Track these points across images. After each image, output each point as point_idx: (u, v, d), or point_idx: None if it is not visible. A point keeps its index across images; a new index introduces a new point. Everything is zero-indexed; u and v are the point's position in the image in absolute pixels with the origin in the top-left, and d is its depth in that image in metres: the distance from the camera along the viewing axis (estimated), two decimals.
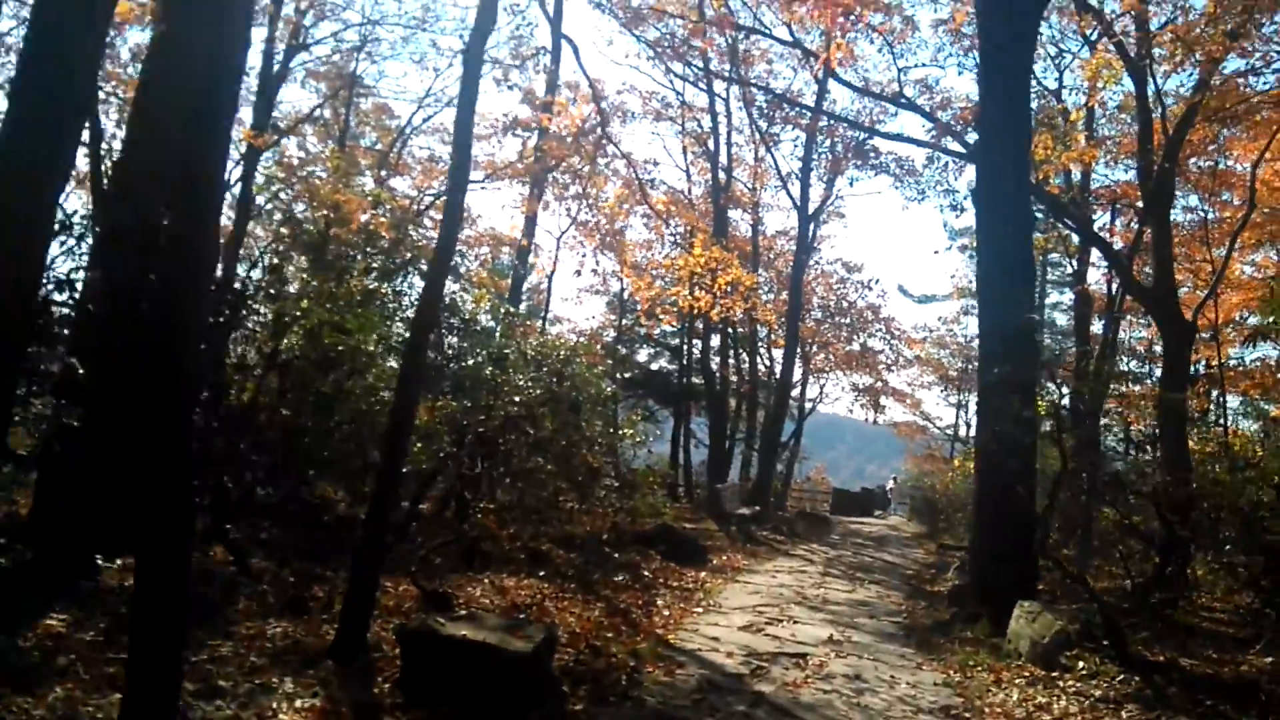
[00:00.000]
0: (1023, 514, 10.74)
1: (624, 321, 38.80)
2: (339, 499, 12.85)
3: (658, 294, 16.00)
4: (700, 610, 10.76)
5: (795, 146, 26.32)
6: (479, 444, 11.62)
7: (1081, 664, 8.45)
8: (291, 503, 11.40)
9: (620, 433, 13.80)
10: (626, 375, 38.85)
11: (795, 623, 10.38)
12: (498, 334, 14.22)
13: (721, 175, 27.23)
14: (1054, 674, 8.36)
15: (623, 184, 14.10)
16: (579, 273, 16.46)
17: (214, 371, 10.16)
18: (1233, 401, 23.23)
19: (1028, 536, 10.76)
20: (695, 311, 18.15)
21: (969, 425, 41.08)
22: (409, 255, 15.82)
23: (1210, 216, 22.95)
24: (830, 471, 54.38)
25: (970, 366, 38.49)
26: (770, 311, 18.73)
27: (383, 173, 28.81)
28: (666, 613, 10.30)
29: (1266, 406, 19.72)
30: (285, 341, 11.55)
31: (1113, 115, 21.62)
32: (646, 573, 12.97)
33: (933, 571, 17.18)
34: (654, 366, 39.87)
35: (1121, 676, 8.24)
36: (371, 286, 13.60)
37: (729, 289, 13.82)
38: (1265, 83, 17.76)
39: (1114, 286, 23.93)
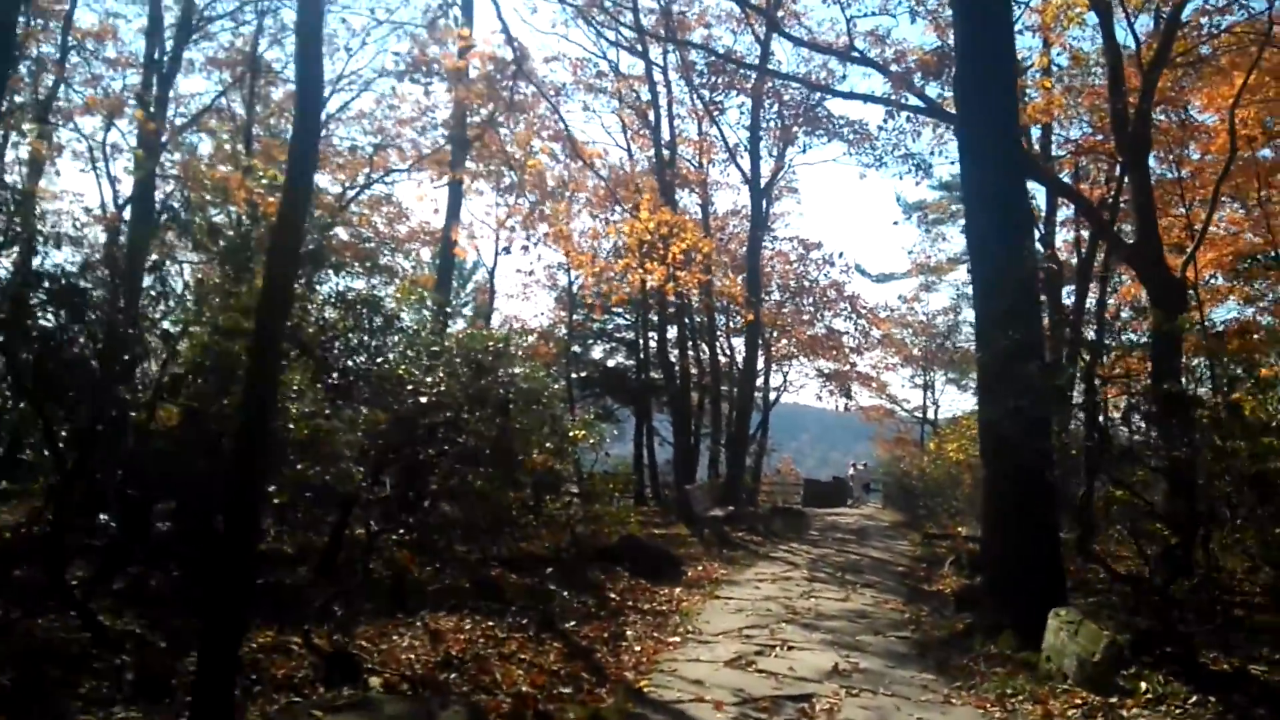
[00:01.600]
0: (1047, 505, 9.27)
1: (575, 317, 37.09)
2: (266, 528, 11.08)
3: (602, 269, 14.27)
4: (678, 640, 9.14)
5: (741, 114, 24.86)
6: (391, 458, 9.92)
7: (1144, 685, 6.97)
8: (191, 540, 9.62)
9: (570, 434, 12.08)
10: (582, 374, 37.23)
11: (790, 648, 8.80)
12: (424, 332, 12.50)
13: (665, 151, 25.56)
14: (1113, 699, 6.85)
15: (549, 136, 12.66)
16: (507, 249, 14.70)
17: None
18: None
19: (1054, 531, 9.30)
20: (646, 287, 16.47)
21: (937, 406, 40.02)
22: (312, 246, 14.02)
23: (1176, 174, 21.82)
24: (795, 462, 53.03)
25: (934, 344, 37.40)
26: (734, 283, 17.20)
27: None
28: (638, 648, 8.66)
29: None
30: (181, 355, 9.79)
31: (1070, 71, 20.30)
32: (613, 595, 11.34)
33: (925, 567, 15.74)
34: (610, 363, 38.19)
35: (1194, 698, 6.78)
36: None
37: (684, 258, 12.27)
38: (1228, 20, 16.59)
39: (1084, 250, 22.66)
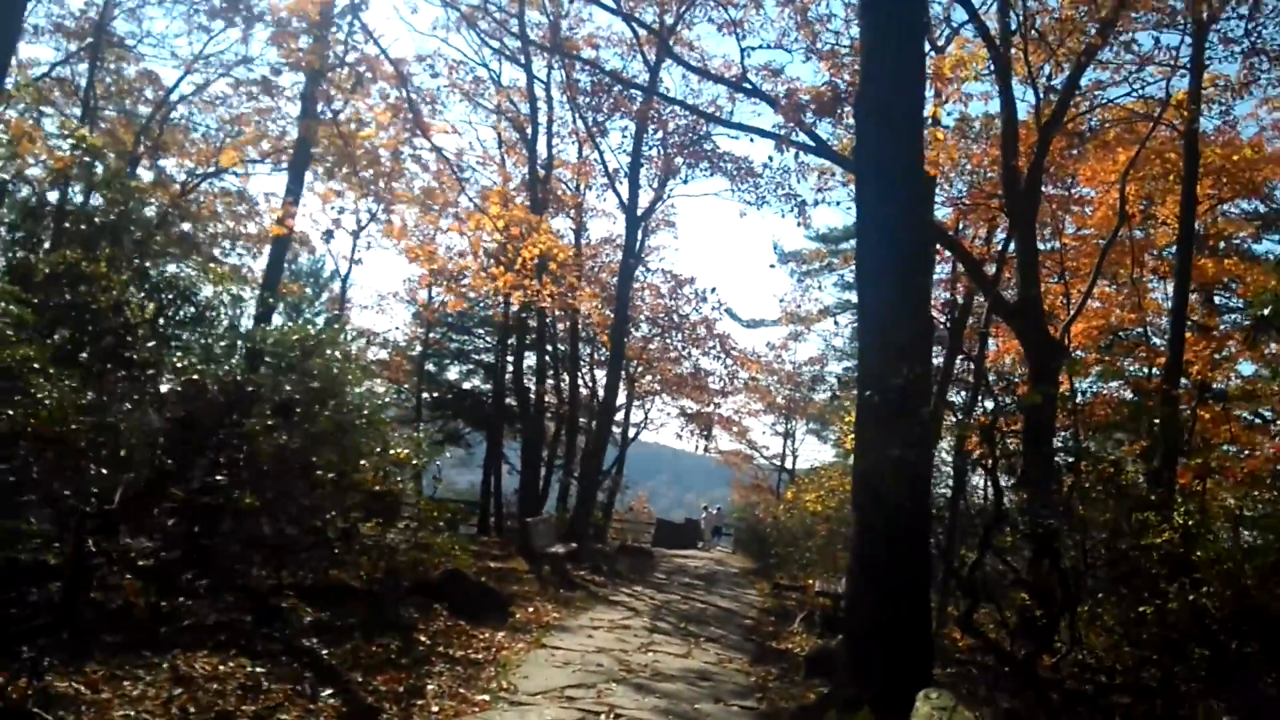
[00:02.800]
0: (922, 568, 8.32)
1: (433, 334, 35.29)
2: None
3: (439, 266, 12.77)
4: (486, 699, 7.72)
5: (624, 139, 23.90)
6: (168, 464, 8.26)
7: None
8: None
9: (393, 452, 10.52)
10: (434, 394, 35.36)
11: (619, 718, 7.52)
12: (241, 328, 10.81)
13: (540, 170, 24.33)
14: None
15: (392, 112, 11.23)
16: (330, 233, 12.70)
17: None
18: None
19: (926, 598, 8.33)
20: (497, 294, 15.06)
21: (795, 456, 39.81)
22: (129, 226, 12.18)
23: (1055, 245, 21.99)
24: (650, 501, 52.18)
25: (798, 395, 37.22)
26: (592, 298, 15.83)
27: (140, 148, 24.39)
28: (436, 709, 7.21)
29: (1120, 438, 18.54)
30: None
31: (962, 125, 20.21)
32: (424, 637, 9.82)
33: (774, 621, 14.76)
34: (466, 385, 36.53)
35: None
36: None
37: (537, 266, 10.98)
38: (1121, 92, 16.71)
39: (957, 312, 22.51)
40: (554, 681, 8.58)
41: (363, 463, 10.08)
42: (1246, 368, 22.37)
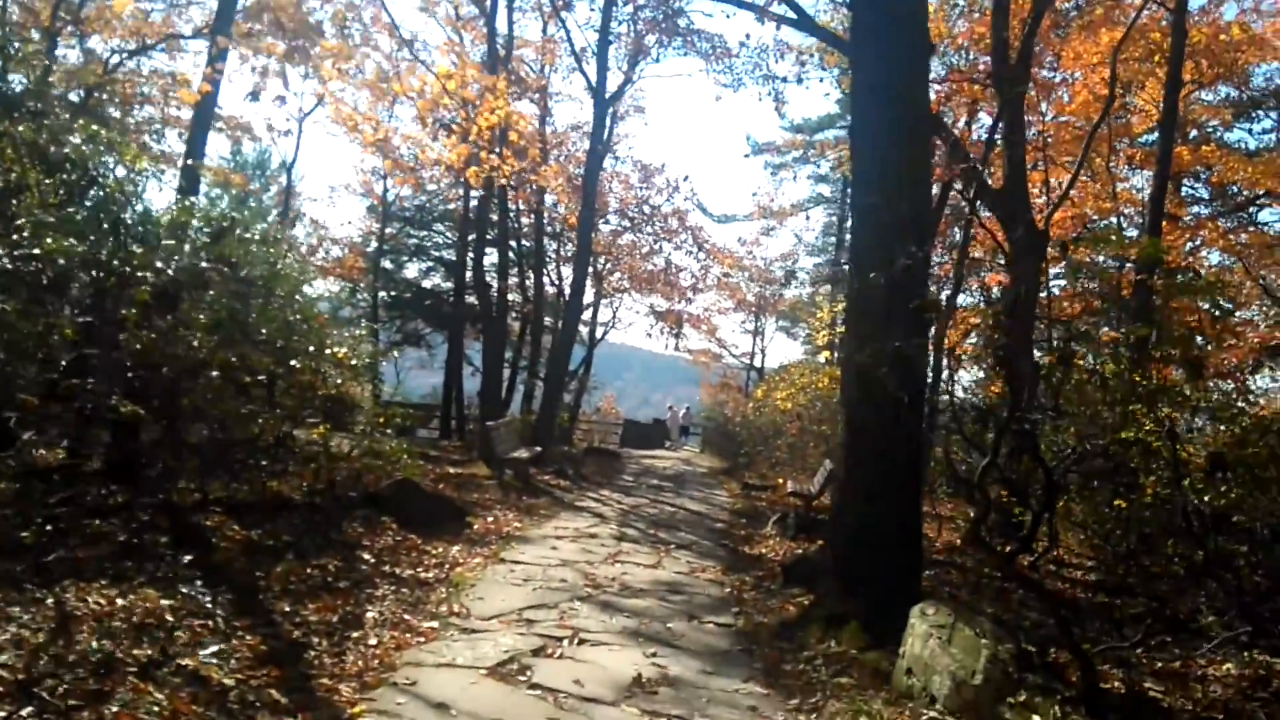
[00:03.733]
0: (913, 469, 7.49)
1: (389, 229, 33.73)
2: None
3: (384, 138, 11.41)
4: (434, 626, 6.90)
5: (592, 11, 22.19)
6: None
7: (1038, 718, 5.26)
8: None
9: (329, 351, 9.44)
10: (391, 293, 34.06)
11: (583, 642, 6.73)
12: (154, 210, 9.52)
13: (500, 49, 22.54)
14: None
15: None
16: (256, 94, 10.99)
17: None
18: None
19: (916, 502, 7.53)
20: (449, 169, 13.76)
21: (764, 354, 39.11)
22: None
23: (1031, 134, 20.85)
24: (618, 401, 51.64)
25: (769, 291, 36.32)
26: (557, 175, 14.47)
27: (58, 22, 22.29)
28: (374, 641, 6.36)
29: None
30: None
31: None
32: (367, 556, 8.96)
33: (745, 523, 14.09)
34: (426, 284, 35.13)
35: None
36: None
37: (496, 137, 9.77)
38: None
39: (935, 202, 21.43)
40: (512, 602, 7.78)
41: (294, 363, 8.99)
42: (1214, 257, 21.77)
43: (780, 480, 17.95)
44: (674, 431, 35.28)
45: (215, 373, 8.70)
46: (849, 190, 35.34)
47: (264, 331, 8.71)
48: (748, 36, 21.93)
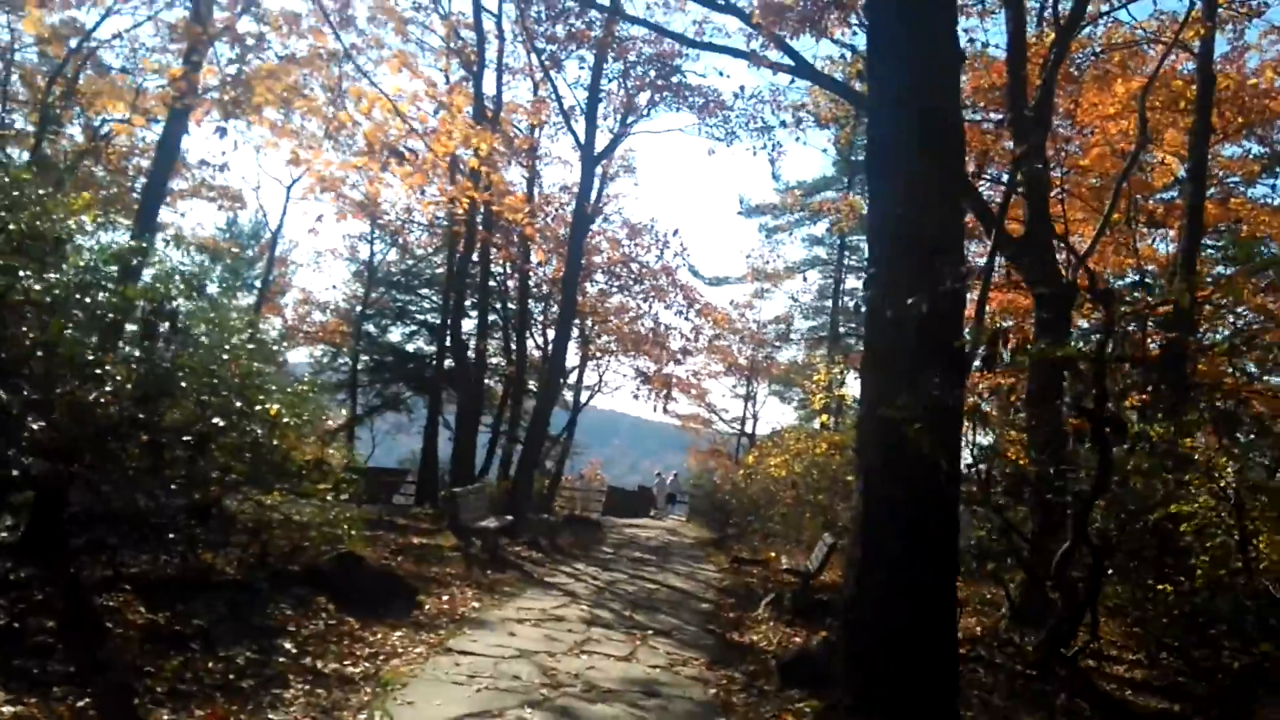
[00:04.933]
0: (948, 549, 6.16)
1: (373, 294, 32.69)
2: None
3: (323, 167, 10.11)
4: None
5: (582, 69, 21.34)
6: None
7: None
8: None
9: (262, 408, 8.14)
10: (373, 358, 32.87)
11: None
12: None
13: (488, 106, 21.67)
14: None
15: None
16: (223, 130, 9.83)
17: None
18: None
19: (950, 590, 6.21)
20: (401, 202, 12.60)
21: (756, 419, 37.82)
22: None
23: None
24: (604, 468, 50.07)
25: (762, 355, 35.23)
26: (519, 202, 13.24)
27: (51, 97, 21.66)
28: None
29: None
30: None
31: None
32: (289, 645, 7.61)
33: (734, 603, 12.71)
34: (410, 348, 33.97)
35: None
36: None
37: (449, 165, 8.73)
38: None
39: None
40: (448, 709, 6.43)
41: (216, 420, 7.73)
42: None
43: (773, 555, 16.58)
44: (660, 499, 33.87)
45: (140, 433, 7.49)
46: (845, 252, 34.71)
47: (183, 384, 7.46)
48: (742, 89, 21.45)
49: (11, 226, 7.00)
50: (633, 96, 21.18)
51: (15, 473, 7.29)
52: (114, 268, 7.11)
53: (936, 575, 5.99)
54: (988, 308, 19.74)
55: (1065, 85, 16.11)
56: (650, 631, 10.02)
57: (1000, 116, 15.34)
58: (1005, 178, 14.56)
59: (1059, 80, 14.15)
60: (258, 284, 31.82)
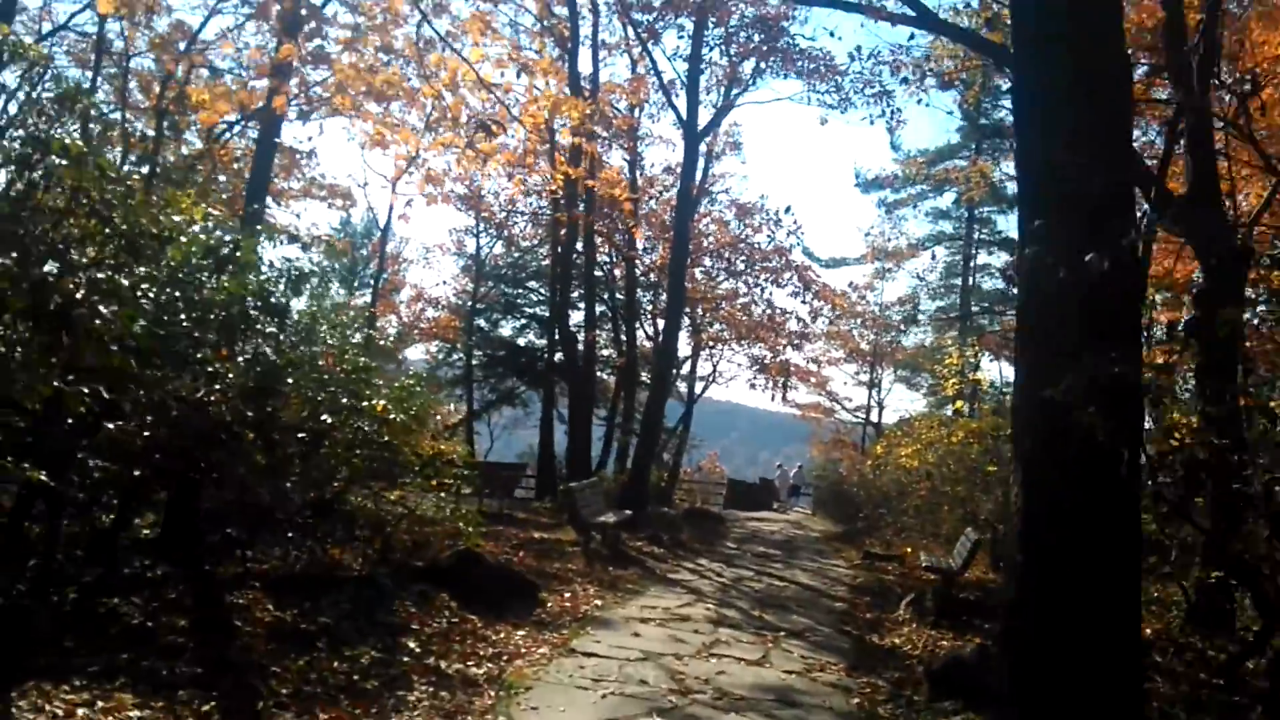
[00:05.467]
0: (1129, 546, 5.42)
1: (482, 288, 32.88)
2: None
3: (413, 149, 9.85)
4: None
5: (681, 39, 20.66)
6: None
7: None
8: None
9: (367, 402, 7.90)
10: (486, 353, 33.08)
11: None
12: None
13: (585, 86, 21.26)
14: None
15: None
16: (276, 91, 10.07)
17: None
18: None
19: (1134, 591, 5.46)
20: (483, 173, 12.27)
21: (882, 407, 36.55)
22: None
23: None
24: (722, 460, 49.49)
25: (886, 339, 33.98)
26: (615, 179, 12.72)
27: (165, 101, 22.34)
28: None
29: None
30: None
31: None
32: (413, 644, 7.39)
33: (870, 602, 12.02)
34: (521, 341, 34.09)
35: None
36: None
37: (543, 135, 8.31)
38: None
39: None
40: (573, 716, 6.05)
41: (325, 418, 7.55)
42: None
43: (908, 550, 15.75)
44: (783, 492, 33.04)
45: (250, 430, 7.37)
46: (974, 225, 33.10)
47: (290, 381, 7.31)
48: (858, 49, 20.27)
49: (123, 227, 6.94)
50: (736, 65, 20.44)
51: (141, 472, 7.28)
52: (208, 261, 6.92)
53: (1116, 581, 5.25)
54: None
55: (1227, 23, 14.63)
56: (782, 632, 9.45)
57: (1151, 64, 14.03)
58: (1159, 131, 13.34)
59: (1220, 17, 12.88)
60: (372, 281, 32.43)
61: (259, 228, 8.24)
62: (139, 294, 5.72)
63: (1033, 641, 5.43)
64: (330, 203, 30.30)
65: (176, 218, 7.63)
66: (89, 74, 22.94)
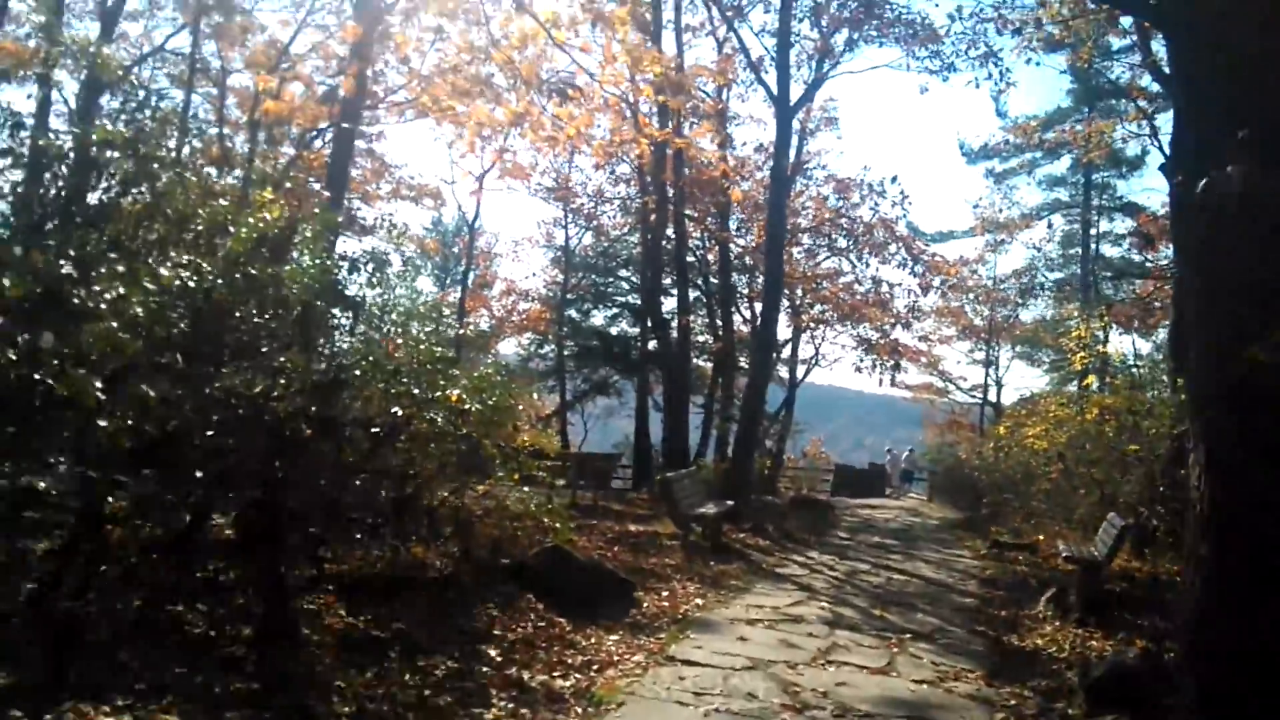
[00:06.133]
0: None
1: (573, 279, 32.40)
2: None
3: (478, 124, 9.11)
4: None
5: (768, 14, 19.68)
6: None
7: None
8: None
9: (440, 391, 7.18)
10: (578, 343, 32.61)
11: None
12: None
13: (671, 71, 20.35)
14: None
15: None
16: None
17: None
18: None
19: None
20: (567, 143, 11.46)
21: (999, 385, 34.66)
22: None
23: None
24: (827, 446, 48.09)
25: (1001, 314, 32.17)
26: (709, 131, 11.66)
27: (259, 114, 22.41)
28: None
29: None
30: None
31: None
32: (494, 652, 6.69)
33: (1003, 597, 10.89)
34: (613, 331, 33.55)
35: None
36: None
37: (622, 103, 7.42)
38: None
39: None
40: None
41: (395, 410, 6.91)
42: None
43: (1040, 538, 14.46)
44: (894, 477, 31.58)
45: (311, 426, 6.80)
46: (1092, 191, 31.06)
47: (358, 374, 6.72)
48: (959, 10, 18.74)
49: (200, 227, 6.46)
50: (828, 37, 19.23)
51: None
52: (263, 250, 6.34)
53: None
54: None
55: None
56: (907, 634, 8.44)
57: None
58: None
59: None
60: (464, 279, 32.35)
61: (326, 215, 7.63)
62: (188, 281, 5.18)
63: (1225, 657, 4.36)
64: (420, 202, 30.32)
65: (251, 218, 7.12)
66: (182, 93, 23.47)
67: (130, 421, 5.10)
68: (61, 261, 5.18)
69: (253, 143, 22.17)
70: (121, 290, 4.71)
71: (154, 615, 6.06)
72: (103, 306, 4.58)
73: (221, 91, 23.56)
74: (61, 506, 5.47)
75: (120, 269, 5.11)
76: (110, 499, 5.48)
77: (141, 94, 7.35)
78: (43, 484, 5.23)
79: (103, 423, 4.91)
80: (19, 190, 5.79)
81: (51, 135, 6.71)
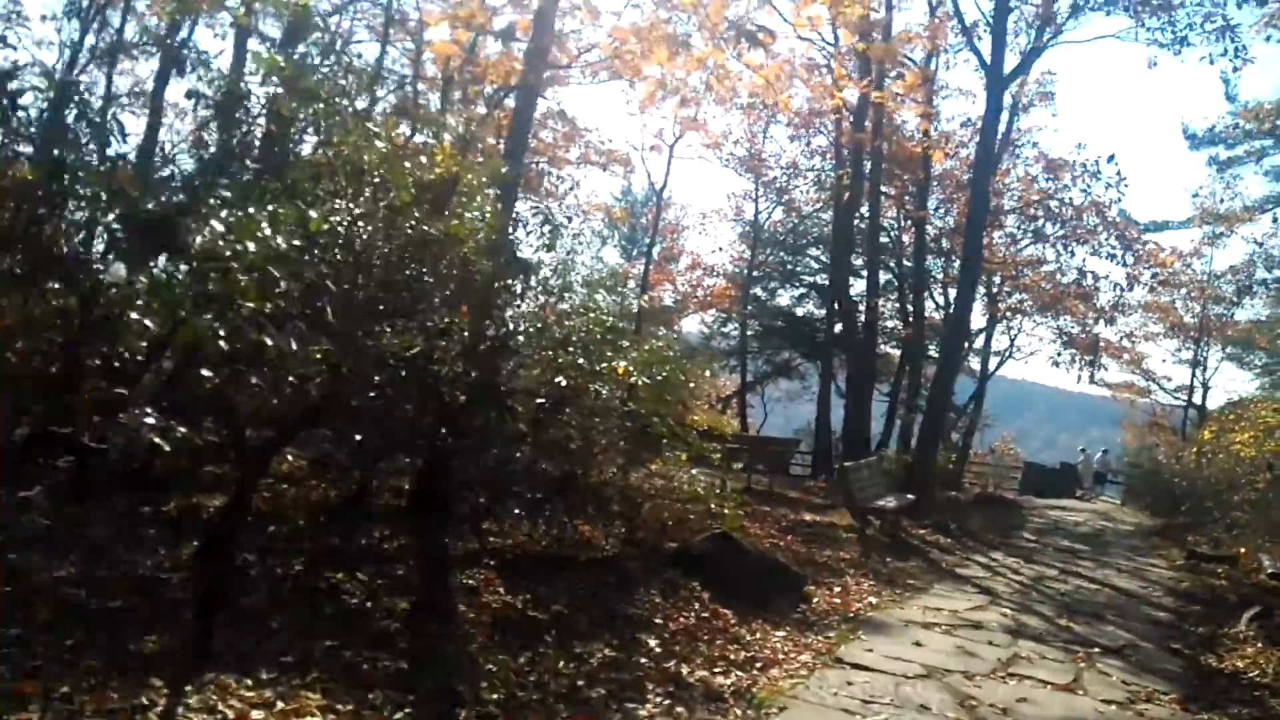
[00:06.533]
0: None
1: (760, 256, 31.91)
2: None
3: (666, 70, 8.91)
4: None
5: None
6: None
7: None
8: None
9: (604, 362, 7.12)
10: (763, 323, 32.15)
11: None
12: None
13: (876, 37, 19.45)
14: None
15: None
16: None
17: None
18: None
19: None
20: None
21: (1206, 389, 31.89)
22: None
23: None
24: (1017, 442, 45.66)
25: (1214, 312, 29.54)
26: (913, 85, 10.91)
27: (453, 71, 22.95)
28: None
29: None
30: None
31: None
32: (653, 641, 6.59)
33: (1200, 613, 9.96)
34: (799, 311, 32.82)
35: None
36: None
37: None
38: None
39: None
40: None
41: (559, 380, 6.91)
42: None
43: (1242, 550, 13.21)
44: (1086, 478, 29.59)
45: (469, 393, 6.87)
46: None
47: (521, 339, 6.75)
48: None
49: (376, 179, 6.58)
50: (1052, 2, 17.90)
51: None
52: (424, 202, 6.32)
53: None
54: None
55: None
56: (1096, 648, 7.83)
57: None
58: None
59: None
60: (649, 250, 32.29)
61: (494, 164, 7.61)
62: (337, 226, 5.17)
63: None
64: (608, 169, 30.34)
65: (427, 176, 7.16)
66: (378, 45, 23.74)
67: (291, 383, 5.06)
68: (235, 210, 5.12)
69: (445, 100, 22.32)
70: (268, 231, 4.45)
71: (311, 582, 6.17)
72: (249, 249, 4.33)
73: (417, 45, 23.92)
74: (239, 462, 5.54)
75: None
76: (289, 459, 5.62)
77: (337, 43, 7.42)
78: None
79: (292, 379, 4.92)
80: (204, 133, 5.97)
81: (242, 85, 6.90)
